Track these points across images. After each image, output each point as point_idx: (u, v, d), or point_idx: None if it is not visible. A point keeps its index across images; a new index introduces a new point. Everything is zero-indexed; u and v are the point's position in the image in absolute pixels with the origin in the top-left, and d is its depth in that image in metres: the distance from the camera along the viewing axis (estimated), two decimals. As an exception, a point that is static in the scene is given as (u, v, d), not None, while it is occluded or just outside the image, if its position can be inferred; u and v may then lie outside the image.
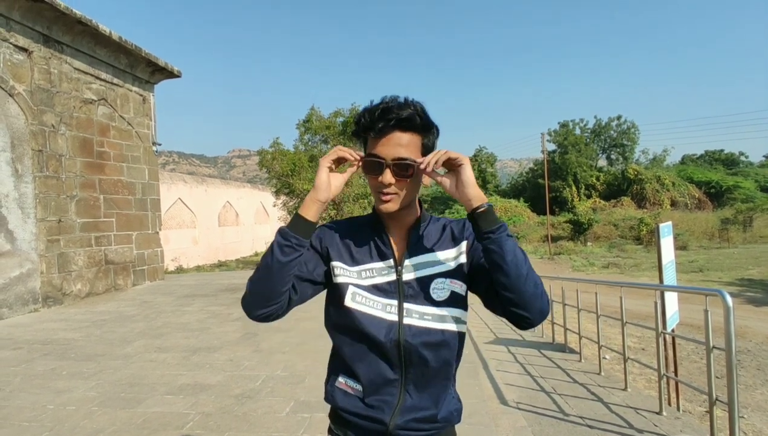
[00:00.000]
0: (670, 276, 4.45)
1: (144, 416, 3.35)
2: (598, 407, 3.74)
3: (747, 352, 8.10)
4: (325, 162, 1.09)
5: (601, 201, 41.75)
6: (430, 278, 1.13)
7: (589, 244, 30.85)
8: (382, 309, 1.11)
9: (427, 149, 1.10)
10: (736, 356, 2.90)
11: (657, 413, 3.59)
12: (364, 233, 1.19)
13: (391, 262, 1.14)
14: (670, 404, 4.07)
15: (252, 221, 34.26)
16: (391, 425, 1.08)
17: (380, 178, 1.07)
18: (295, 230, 1.06)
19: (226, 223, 30.39)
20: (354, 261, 1.16)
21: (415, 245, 1.16)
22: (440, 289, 1.12)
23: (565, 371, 4.98)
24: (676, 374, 4.27)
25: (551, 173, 41.28)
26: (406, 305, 1.12)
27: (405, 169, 1.06)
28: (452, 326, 1.12)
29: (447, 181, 1.10)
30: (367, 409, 1.10)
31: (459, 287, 1.14)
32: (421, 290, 1.13)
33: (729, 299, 2.86)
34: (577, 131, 48.07)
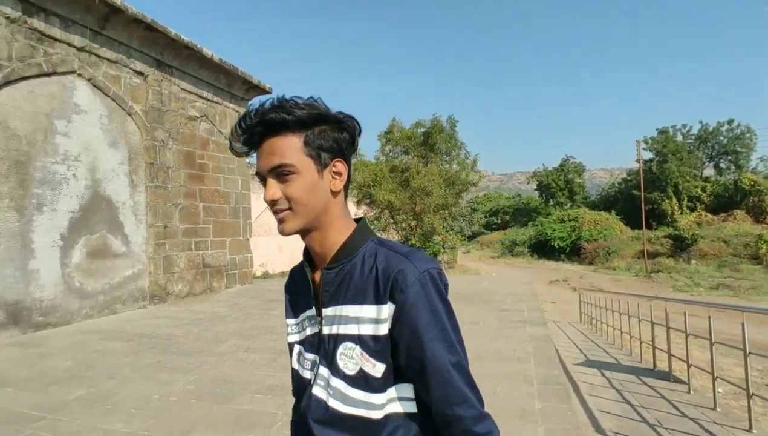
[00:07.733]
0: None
1: (237, 413, 3.52)
2: (715, 448, 3.29)
3: None
4: None
5: (708, 214, 37.58)
6: (341, 338, 0.86)
7: (693, 262, 27.83)
8: (310, 369, 0.92)
9: (313, 147, 0.86)
10: None
11: (792, 462, 3.07)
12: (304, 274, 0.97)
13: (314, 309, 0.92)
14: (808, 451, 3.47)
15: (333, 229, 35.44)
16: None
17: (264, 197, 0.88)
18: None
19: (310, 231, 31.71)
20: (294, 312, 0.99)
21: (332, 288, 0.88)
22: (348, 357, 0.84)
23: (671, 402, 4.47)
24: (815, 417, 3.64)
25: (648, 184, 38.05)
26: (320, 368, 0.88)
27: (285, 176, 0.85)
28: (361, 412, 0.82)
29: None
30: None
31: (371, 367, 0.82)
32: (332, 351, 0.87)
33: None
34: (679, 138, 43.97)
